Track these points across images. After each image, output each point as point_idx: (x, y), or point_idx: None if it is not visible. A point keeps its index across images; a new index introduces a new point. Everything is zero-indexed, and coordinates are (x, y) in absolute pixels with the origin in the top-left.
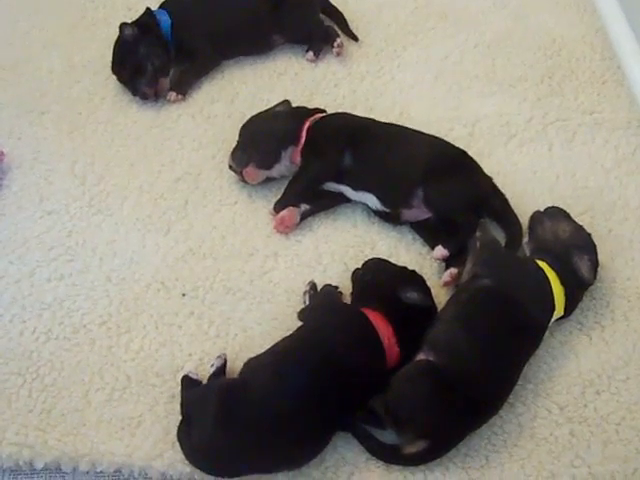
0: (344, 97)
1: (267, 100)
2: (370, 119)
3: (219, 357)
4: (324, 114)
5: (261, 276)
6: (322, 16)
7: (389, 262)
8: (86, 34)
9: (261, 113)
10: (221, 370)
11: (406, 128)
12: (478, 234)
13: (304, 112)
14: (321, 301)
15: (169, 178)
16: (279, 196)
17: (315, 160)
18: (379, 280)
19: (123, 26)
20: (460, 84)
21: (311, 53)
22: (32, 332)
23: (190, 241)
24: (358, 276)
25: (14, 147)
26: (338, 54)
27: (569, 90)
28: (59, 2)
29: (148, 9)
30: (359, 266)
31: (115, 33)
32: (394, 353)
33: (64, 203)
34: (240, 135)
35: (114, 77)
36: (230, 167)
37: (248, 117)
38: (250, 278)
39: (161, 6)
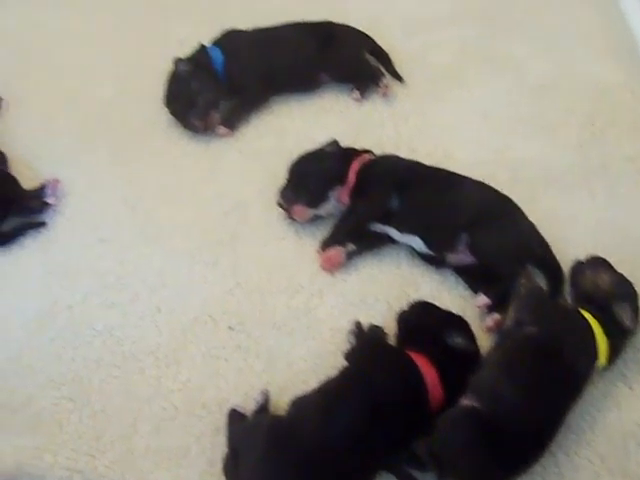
0: (388, 137)
1: (314, 137)
2: (417, 162)
3: (262, 393)
4: (372, 156)
5: (306, 313)
6: (368, 56)
7: (435, 305)
8: (139, 66)
9: (310, 152)
10: (264, 405)
11: (452, 172)
12: (522, 281)
13: (352, 153)
14: (368, 342)
15: (218, 211)
16: (326, 234)
17: (363, 202)
18: (425, 323)
19: (178, 61)
20: (503, 128)
21: (357, 92)
22: (83, 358)
23: (238, 275)
24: (404, 318)
25: (69, 174)
26: (384, 94)
27: (612, 136)
28: (112, 34)
29: (202, 45)
30: (402, 307)
31: (167, 66)
32: (438, 396)
33: (116, 232)
34: (289, 173)
35: (166, 109)
36: (279, 204)
37: (295, 153)
38: (296, 314)
39: (214, 42)
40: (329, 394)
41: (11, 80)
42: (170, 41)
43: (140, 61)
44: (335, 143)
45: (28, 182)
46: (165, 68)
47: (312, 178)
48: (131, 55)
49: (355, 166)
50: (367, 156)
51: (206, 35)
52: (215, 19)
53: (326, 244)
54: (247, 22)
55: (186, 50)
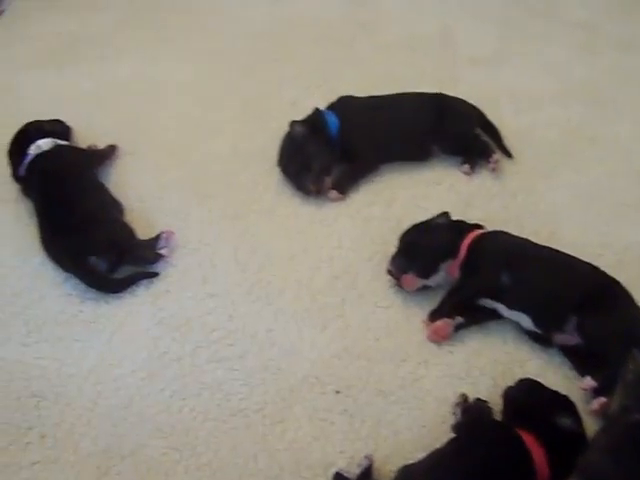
0: (496, 212)
1: (423, 208)
2: (528, 240)
3: (367, 457)
4: (483, 231)
5: (412, 382)
6: (478, 130)
7: (542, 384)
8: (251, 124)
9: (423, 223)
10: (369, 471)
11: (562, 252)
12: (629, 366)
13: (464, 227)
14: (476, 416)
15: (327, 275)
16: (432, 304)
17: (473, 277)
18: (533, 402)
19: (294, 123)
20: (610, 210)
21: (467, 166)
22: (191, 410)
23: (346, 340)
24: (511, 395)
25: (181, 227)
26: (493, 169)
27: None
28: (225, 90)
29: (317, 109)
30: (508, 383)
31: (279, 126)
32: (545, 476)
33: (226, 287)
34: (401, 242)
35: (277, 169)
36: (389, 272)
37: (404, 222)
38: (402, 383)
39: (329, 107)
40: (436, 466)
41: (124, 130)
42: (282, 101)
43: (253, 119)
44: (446, 215)
45: (141, 232)
46: (277, 128)
47: (425, 249)
48: (244, 112)
49: (467, 240)
50: (479, 231)
51: (317, 98)
52: (325, 83)
53: (434, 315)
54: (356, 87)
55: (298, 111)
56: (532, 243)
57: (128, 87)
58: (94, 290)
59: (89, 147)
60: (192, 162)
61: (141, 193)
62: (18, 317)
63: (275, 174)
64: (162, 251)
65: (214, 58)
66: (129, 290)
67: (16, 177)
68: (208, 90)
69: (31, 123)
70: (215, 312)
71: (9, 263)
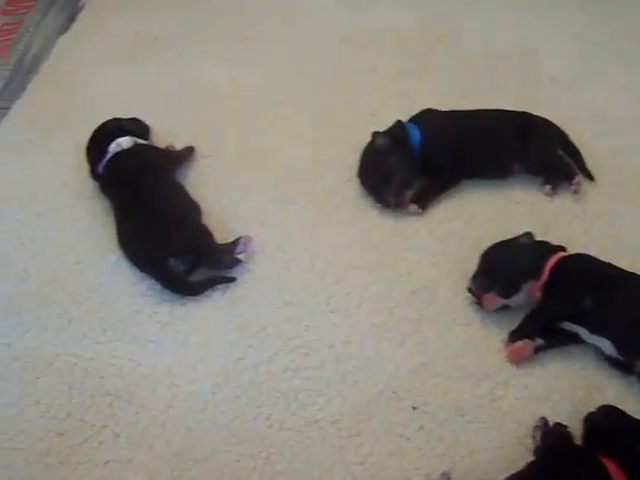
0: (577, 236)
1: (503, 226)
2: (612, 265)
3: (444, 475)
4: (567, 253)
5: (490, 402)
6: (561, 152)
7: (623, 412)
8: (330, 132)
9: (506, 242)
10: None
11: None
12: None
13: (548, 249)
14: (557, 442)
15: (406, 289)
16: (511, 324)
17: (556, 299)
18: (616, 429)
19: (376, 135)
20: None
21: (549, 187)
22: (266, 418)
23: (424, 356)
24: (593, 421)
25: (259, 232)
26: (575, 192)
27: None
28: (306, 97)
29: (399, 121)
30: (586, 409)
31: (358, 136)
32: None
33: (303, 296)
34: (482, 260)
35: (356, 179)
36: (469, 290)
37: (483, 240)
38: (480, 402)
39: (411, 119)
40: None
41: (201, 132)
42: (361, 111)
43: (331, 127)
44: (530, 235)
45: (218, 236)
46: (356, 138)
47: (507, 269)
48: (323, 120)
49: (551, 262)
50: (562, 253)
51: (396, 110)
52: (404, 95)
53: (515, 336)
54: (435, 101)
55: (377, 122)
56: (617, 268)
57: (206, 88)
58: (170, 292)
59: (167, 147)
60: (270, 168)
61: (218, 196)
62: (94, 314)
63: (354, 184)
64: (240, 256)
65: (294, 64)
66: (205, 294)
67: (94, 174)
68: (287, 95)
69: (111, 121)
70: (292, 321)
71: (86, 260)
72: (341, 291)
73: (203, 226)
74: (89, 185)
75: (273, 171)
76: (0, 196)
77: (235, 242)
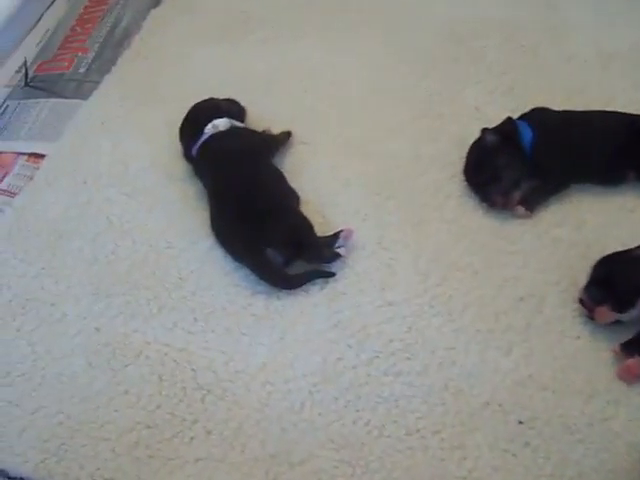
0: None
1: (615, 235)
2: None
3: None
4: None
5: (601, 421)
6: None
7: None
8: (432, 127)
9: (621, 253)
10: None
11: None
12: None
13: None
14: None
15: (512, 295)
16: (623, 339)
17: None
18: None
19: (486, 132)
20: None
21: None
22: (365, 424)
23: (531, 367)
24: None
25: (359, 227)
26: None
27: None
28: (403, 88)
29: (510, 118)
30: None
31: (461, 131)
32: None
33: (405, 297)
34: (595, 271)
35: (460, 176)
36: (580, 301)
37: (594, 249)
38: (589, 421)
39: (522, 117)
40: None
41: (297, 117)
42: (464, 105)
43: (433, 120)
44: None
45: (317, 228)
46: (458, 132)
47: (623, 282)
48: (424, 113)
49: None
50: None
51: (501, 105)
52: (510, 90)
53: (627, 350)
54: (543, 98)
55: (481, 117)
56: None
57: (303, 72)
58: (266, 284)
59: (264, 131)
60: (370, 160)
61: (316, 186)
62: (185, 303)
63: (458, 182)
64: (340, 250)
65: (393, 51)
66: (303, 288)
67: (188, 156)
68: (386, 84)
69: (207, 100)
70: (393, 322)
71: (177, 244)
72: (444, 293)
73: (303, 216)
74: (181, 166)
75: (373, 163)
76: (89, 173)
77: (335, 235)
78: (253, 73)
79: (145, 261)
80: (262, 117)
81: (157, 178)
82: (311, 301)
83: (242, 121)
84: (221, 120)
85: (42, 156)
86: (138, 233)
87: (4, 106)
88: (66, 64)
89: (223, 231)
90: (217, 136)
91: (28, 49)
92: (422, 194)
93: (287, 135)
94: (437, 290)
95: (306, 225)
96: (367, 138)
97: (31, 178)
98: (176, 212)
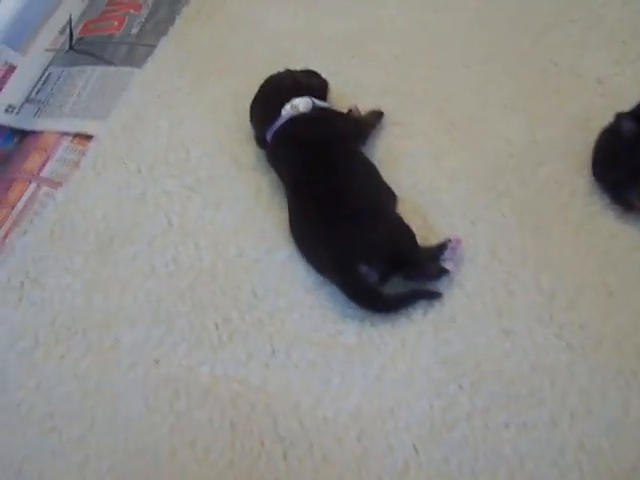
0: None
1: None
2: None
3: None
4: None
5: None
6: None
7: None
8: (547, 104)
9: None
10: None
11: None
12: None
13: None
14: None
15: None
16: None
17: None
18: None
19: (622, 117)
20: None
21: None
22: None
23: None
24: None
25: (467, 233)
26: None
27: None
28: (512, 58)
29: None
30: None
31: (583, 111)
32: None
33: (526, 324)
34: None
35: (587, 169)
36: None
37: None
38: None
39: None
40: None
41: (392, 90)
42: (584, 77)
43: (549, 97)
44: None
45: (417, 233)
46: (579, 112)
47: None
48: (538, 87)
49: None
50: None
51: (630, 77)
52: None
53: None
54: None
55: (605, 92)
56: None
57: (393, 35)
58: (358, 306)
59: (350, 111)
60: (478, 147)
61: (415, 180)
62: (261, 328)
63: (584, 175)
64: (447, 264)
65: (498, 11)
66: (403, 312)
67: (261, 142)
68: (492, 51)
69: (283, 74)
70: (513, 357)
71: (249, 252)
72: (575, 321)
73: (403, 222)
74: (252, 151)
75: (482, 152)
76: (144, 159)
77: (442, 246)
78: (334, 36)
79: (212, 273)
80: (345, 91)
81: (224, 167)
82: (414, 329)
83: (324, 98)
84: (301, 100)
85: (89, 137)
86: (203, 236)
87: (46, 74)
88: (116, 23)
89: (305, 239)
90: (297, 119)
91: (73, 4)
92: (540, 191)
93: (378, 116)
94: (565, 317)
95: (407, 234)
96: (473, 120)
97: (77, 164)
98: (247, 210)
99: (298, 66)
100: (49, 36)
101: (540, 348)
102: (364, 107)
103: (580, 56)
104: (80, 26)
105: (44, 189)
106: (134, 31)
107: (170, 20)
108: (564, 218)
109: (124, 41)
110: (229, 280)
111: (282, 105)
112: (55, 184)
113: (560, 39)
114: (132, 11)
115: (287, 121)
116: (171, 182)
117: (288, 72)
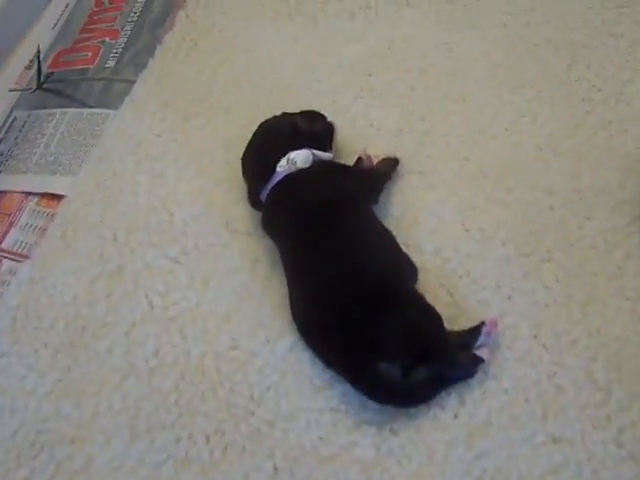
0: None
1: None
2: None
3: None
4: None
5: None
6: None
7: None
8: (594, 142)
9: None
10: None
11: None
12: None
13: None
14: None
15: None
16: None
17: None
18: None
19: None
20: None
21: None
22: None
23: None
24: None
25: (503, 311)
26: None
27: None
28: (544, 82)
29: None
30: None
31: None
32: None
33: (579, 429)
34: None
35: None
36: None
37: None
38: None
39: None
40: None
41: (409, 127)
42: (637, 107)
43: (597, 133)
44: None
45: (442, 312)
46: (633, 151)
47: None
48: (582, 121)
49: None
50: None
51: None
52: None
53: None
54: None
55: None
56: None
57: (411, 61)
58: (377, 403)
59: (360, 160)
60: (513, 197)
61: (439, 244)
62: (260, 442)
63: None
64: (481, 352)
65: (526, 30)
66: (429, 415)
67: (254, 201)
68: (524, 80)
69: (281, 118)
70: (565, 471)
71: (245, 343)
72: (636, 423)
73: (427, 304)
74: (247, 213)
75: (516, 204)
76: (120, 224)
77: (474, 330)
78: (338, 64)
79: (201, 371)
80: (353, 132)
81: (213, 232)
82: (442, 437)
83: (329, 146)
84: (299, 153)
85: (59, 197)
86: (189, 323)
87: (10, 120)
88: (90, 55)
89: (309, 325)
90: (294, 177)
91: (42, 33)
92: (588, 253)
93: (394, 164)
94: (625, 418)
95: (432, 318)
96: (505, 162)
97: (44, 232)
98: (242, 287)
99: (298, 101)
100: (14, 73)
101: (597, 459)
102: (376, 152)
103: (629, 80)
104: (50, 59)
105: (6, 264)
106: (110, 64)
107: (150, 49)
108: (618, 287)
109: (98, 76)
110: (221, 379)
111: (277, 160)
112: (20, 257)
113: (603, 59)
114: (108, 39)
115: (283, 179)
116: (152, 253)
117: (286, 116)
